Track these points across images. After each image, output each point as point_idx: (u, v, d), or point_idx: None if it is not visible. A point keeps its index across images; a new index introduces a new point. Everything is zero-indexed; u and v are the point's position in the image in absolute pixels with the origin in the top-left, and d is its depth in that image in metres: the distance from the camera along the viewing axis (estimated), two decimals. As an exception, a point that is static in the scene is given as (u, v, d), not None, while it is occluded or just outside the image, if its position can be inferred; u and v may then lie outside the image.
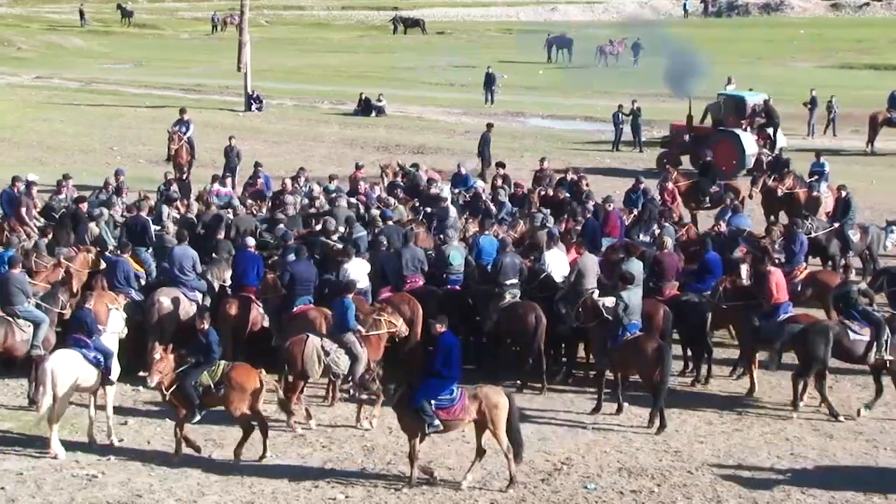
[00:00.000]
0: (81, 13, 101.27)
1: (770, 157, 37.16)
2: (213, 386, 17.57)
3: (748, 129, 40.73)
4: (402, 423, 17.17)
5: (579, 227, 25.12)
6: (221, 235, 23.79)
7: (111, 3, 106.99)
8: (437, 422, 16.72)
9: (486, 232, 24.21)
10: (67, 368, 17.83)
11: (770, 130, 40.94)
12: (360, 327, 19.38)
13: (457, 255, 22.59)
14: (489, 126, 40.33)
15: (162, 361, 17.49)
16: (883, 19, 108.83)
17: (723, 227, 25.27)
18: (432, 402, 16.70)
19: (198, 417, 17.86)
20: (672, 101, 59.55)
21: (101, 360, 18.24)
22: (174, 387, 17.53)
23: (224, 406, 17.71)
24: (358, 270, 21.84)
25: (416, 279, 22.19)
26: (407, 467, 17.22)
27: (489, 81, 58.15)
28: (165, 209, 26.61)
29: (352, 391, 19.30)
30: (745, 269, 22.03)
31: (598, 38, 78.65)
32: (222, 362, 17.88)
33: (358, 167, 32.00)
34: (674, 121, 43.33)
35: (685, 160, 40.36)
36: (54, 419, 17.81)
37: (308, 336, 19.31)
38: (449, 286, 22.35)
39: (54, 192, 28.29)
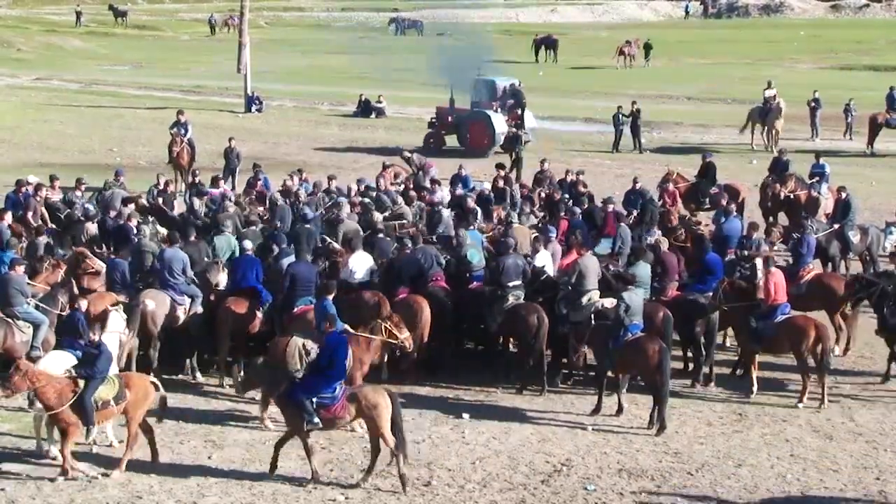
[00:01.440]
0: (78, 14, 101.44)
1: (515, 133, 41.25)
2: (112, 401, 17.11)
3: (498, 110, 45.40)
4: (285, 416, 17.34)
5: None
6: (193, 237, 23.70)
7: (103, 3, 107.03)
8: (316, 419, 16.81)
9: (472, 227, 24.62)
10: (60, 370, 17.74)
11: (519, 111, 45.31)
12: (346, 326, 19.33)
13: (475, 254, 22.68)
14: (518, 126, 41.68)
15: (20, 376, 16.71)
16: (882, 20, 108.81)
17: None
18: (314, 399, 16.79)
19: (93, 435, 17.66)
20: (672, 102, 60.01)
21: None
22: (71, 402, 16.83)
23: (125, 417, 17.32)
24: (359, 264, 21.97)
25: (438, 276, 22.25)
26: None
27: None
28: (197, 201, 26.82)
29: None
30: (759, 265, 21.93)
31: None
32: (113, 376, 17.38)
33: (385, 167, 32.30)
34: (439, 103, 47.53)
35: (450, 139, 46.33)
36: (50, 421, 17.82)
37: (293, 335, 19.33)
38: (474, 284, 22.47)
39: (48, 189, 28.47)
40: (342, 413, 16.89)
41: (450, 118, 46.27)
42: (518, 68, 73.54)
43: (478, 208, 27.29)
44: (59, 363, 17.87)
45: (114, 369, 18.65)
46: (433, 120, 47.00)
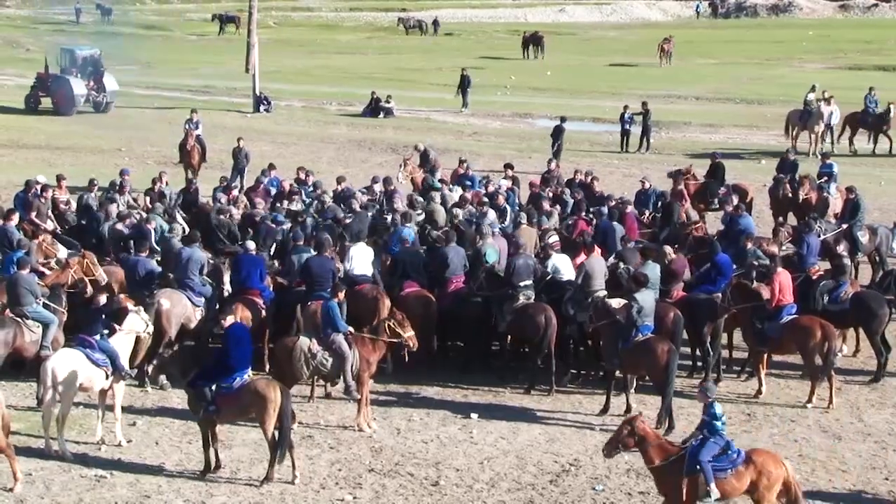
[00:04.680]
0: (77, 12, 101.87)
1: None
2: None
3: (78, 75, 54.52)
4: (189, 403, 17.53)
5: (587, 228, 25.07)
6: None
7: (113, 3, 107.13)
8: (212, 407, 17.01)
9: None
10: (69, 368, 17.81)
11: (99, 77, 55.01)
12: (350, 329, 19.35)
13: (492, 253, 22.66)
14: (562, 119, 42.31)
15: None
16: (891, 20, 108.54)
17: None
18: (212, 387, 16.98)
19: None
20: (680, 102, 59.92)
21: (107, 361, 18.26)
22: None
23: None
24: (361, 256, 22.07)
25: (459, 279, 22.25)
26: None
27: (464, 84, 57.11)
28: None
29: (343, 391, 19.41)
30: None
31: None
32: None
33: (461, 162, 32.74)
34: (39, 70, 55.78)
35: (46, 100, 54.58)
36: (60, 419, 17.84)
37: (298, 338, 19.34)
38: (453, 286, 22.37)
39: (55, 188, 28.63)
40: (235, 403, 17.02)
41: (49, 83, 54.61)
42: (527, 67, 73.85)
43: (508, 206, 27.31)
44: (69, 362, 17.92)
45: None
46: (34, 84, 55.40)
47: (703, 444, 15.02)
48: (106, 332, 18.62)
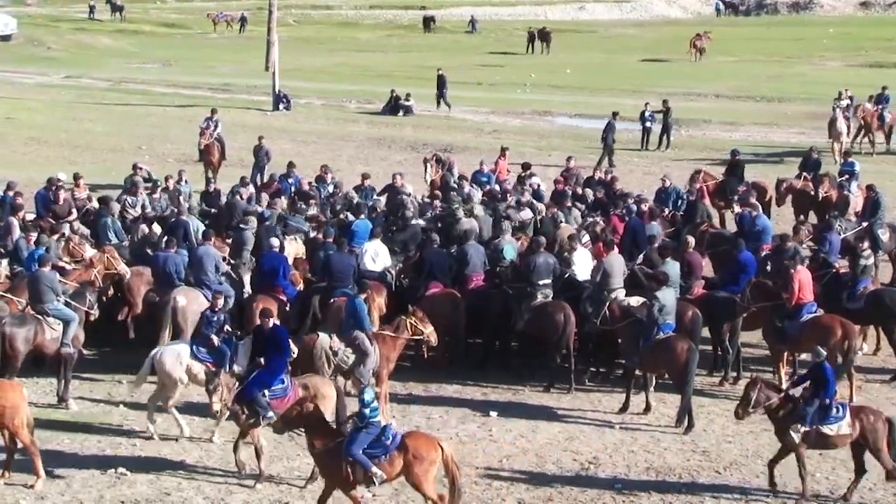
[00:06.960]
0: (91, 8, 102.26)
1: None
2: None
3: None
4: (243, 412, 17.37)
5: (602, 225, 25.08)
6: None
7: (133, 1, 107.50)
8: (270, 413, 16.99)
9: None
10: (171, 360, 18.31)
11: None
12: (373, 328, 19.36)
13: (510, 250, 22.66)
14: (614, 115, 42.15)
15: None
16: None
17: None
18: (266, 392, 17.02)
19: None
20: (700, 100, 59.77)
21: (209, 357, 18.47)
22: None
23: (7, 431, 16.57)
24: (375, 253, 22.28)
25: (479, 276, 22.26)
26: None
27: (441, 85, 56.31)
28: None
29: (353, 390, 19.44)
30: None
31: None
32: None
33: (503, 150, 33.07)
34: None
35: None
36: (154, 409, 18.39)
37: (318, 335, 19.38)
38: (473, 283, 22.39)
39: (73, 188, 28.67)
40: (290, 404, 16.97)
41: None
42: (545, 65, 73.77)
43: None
44: (173, 355, 18.43)
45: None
46: None
47: (355, 436, 15.34)
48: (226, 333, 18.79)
